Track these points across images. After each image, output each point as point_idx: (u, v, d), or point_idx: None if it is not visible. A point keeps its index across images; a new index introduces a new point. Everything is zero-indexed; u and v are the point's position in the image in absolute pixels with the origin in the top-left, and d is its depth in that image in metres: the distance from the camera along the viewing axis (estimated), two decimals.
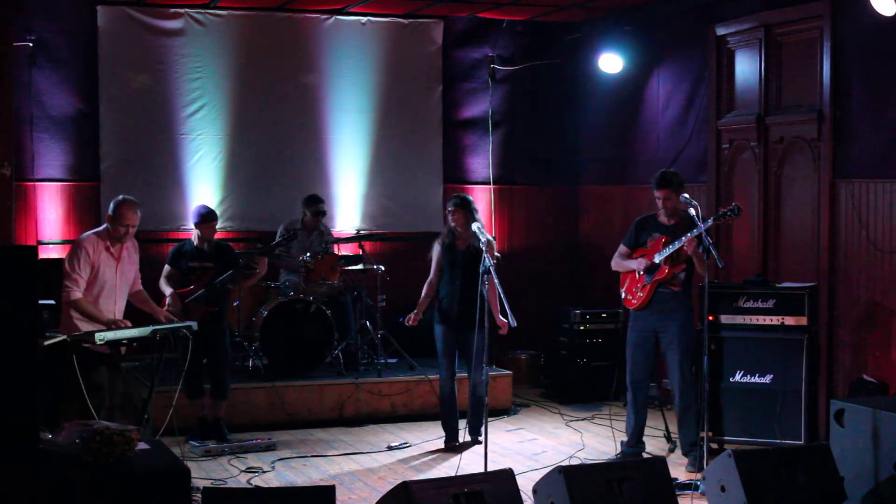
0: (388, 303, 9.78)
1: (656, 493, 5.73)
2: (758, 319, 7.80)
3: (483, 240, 7.41)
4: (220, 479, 7.23)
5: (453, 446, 8.14)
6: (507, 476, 5.60)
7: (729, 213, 7.26)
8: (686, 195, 7.41)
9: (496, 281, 7.21)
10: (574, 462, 7.65)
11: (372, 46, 10.72)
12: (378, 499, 5.63)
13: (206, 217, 8.20)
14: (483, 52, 11.12)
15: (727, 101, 9.33)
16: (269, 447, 8.11)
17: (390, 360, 9.67)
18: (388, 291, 9.78)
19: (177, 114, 10.18)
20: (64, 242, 9.61)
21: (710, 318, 7.48)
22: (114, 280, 6.97)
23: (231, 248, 8.50)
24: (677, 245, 7.37)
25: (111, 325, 6.77)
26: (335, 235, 10.17)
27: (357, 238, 10.04)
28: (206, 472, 7.38)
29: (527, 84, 11.22)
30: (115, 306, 6.99)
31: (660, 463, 5.99)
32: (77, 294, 6.77)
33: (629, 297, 7.74)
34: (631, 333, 7.76)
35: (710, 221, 7.23)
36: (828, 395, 8.00)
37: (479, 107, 11.16)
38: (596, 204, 11.23)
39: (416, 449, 8.25)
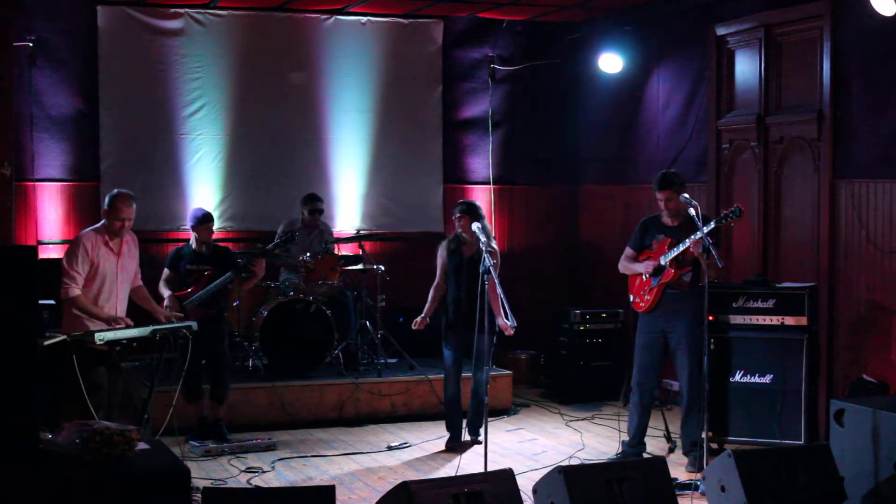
0: (388, 303, 9.78)
1: (656, 493, 5.73)
2: (758, 319, 7.80)
3: (483, 239, 7.41)
4: (220, 479, 7.23)
5: (454, 446, 8.14)
6: (507, 476, 5.60)
7: (731, 216, 7.26)
8: (686, 195, 7.40)
9: (496, 281, 7.21)
10: (574, 462, 7.65)
11: (372, 46, 10.72)
12: (378, 499, 5.63)
13: (202, 219, 8.22)
14: (483, 52, 11.12)
15: (727, 101, 9.33)
16: (269, 447, 8.11)
17: (390, 360, 9.67)
18: (388, 291, 9.78)
19: (177, 114, 10.18)
20: (64, 242, 9.60)
21: (711, 318, 7.47)
22: (114, 275, 6.97)
23: (229, 251, 8.52)
24: (682, 247, 7.36)
25: (111, 321, 6.78)
26: (335, 235, 10.18)
27: (357, 238, 10.05)
28: (206, 472, 7.38)
29: (527, 84, 11.23)
30: (116, 301, 6.99)
31: (660, 463, 5.99)
32: (75, 291, 6.77)
33: (637, 300, 7.74)
34: (639, 335, 7.75)
35: (713, 224, 7.22)
36: (828, 395, 8.00)
37: (479, 107, 11.16)
38: (596, 204, 11.23)
39: (416, 449, 8.25)
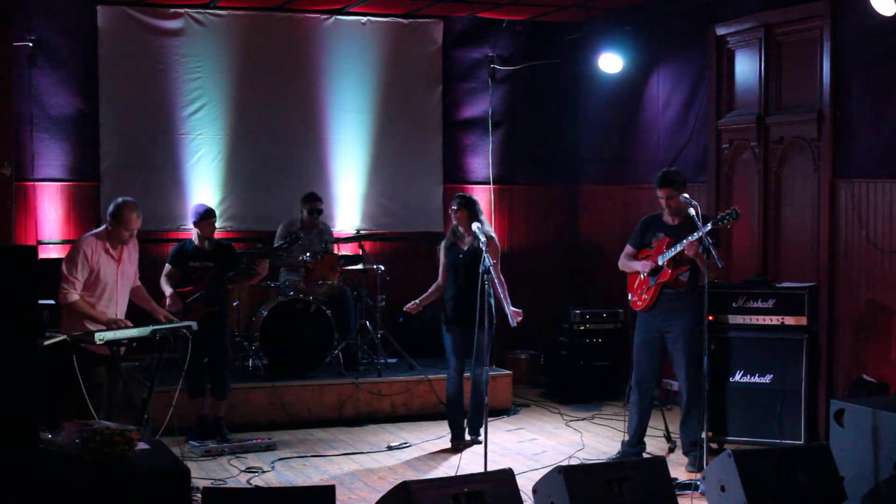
0: (388, 303, 9.77)
1: (656, 493, 5.73)
2: (758, 319, 7.80)
3: (483, 239, 7.38)
4: (220, 479, 7.23)
5: (457, 445, 8.14)
6: (507, 476, 5.60)
7: (727, 218, 7.25)
8: (686, 195, 7.40)
9: (497, 280, 7.20)
10: (574, 462, 7.65)
11: (372, 46, 10.72)
12: (378, 499, 5.63)
13: (205, 215, 8.20)
14: (483, 52, 11.12)
15: (727, 101, 9.33)
16: (269, 447, 8.11)
17: (390, 360, 9.67)
18: (388, 291, 9.78)
19: (177, 114, 10.18)
20: (64, 242, 9.62)
21: (711, 318, 7.47)
22: (114, 281, 6.95)
23: (232, 247, 8.49)
24: (678, 248, 7.36)
25: (111, 324, 6.77)
26: (335, 235, 10.18)
27: (357, 238, 10.05)
28: (206, 472, 7.38)
29: (527, 84, 11.23)
30: (116, 307, 6.98)
31: (660, 463, 6.00)
32: (74, 296, 6.75)
33: (635, 298, 7.75)
34: (637, 334, 7.76)
35: (710, 225, 7.22)
36: (828, 395, 8.00)
37: (479, 107, 11.16)
38: (596, 204, 11.23)
39: (416, 449, 8.25)
